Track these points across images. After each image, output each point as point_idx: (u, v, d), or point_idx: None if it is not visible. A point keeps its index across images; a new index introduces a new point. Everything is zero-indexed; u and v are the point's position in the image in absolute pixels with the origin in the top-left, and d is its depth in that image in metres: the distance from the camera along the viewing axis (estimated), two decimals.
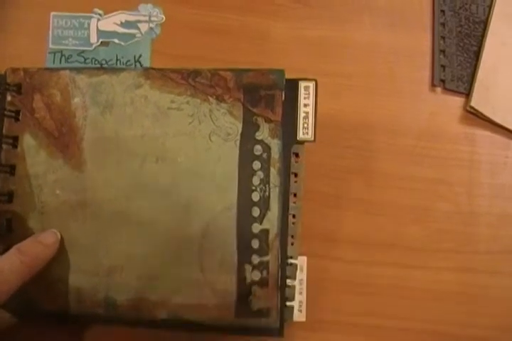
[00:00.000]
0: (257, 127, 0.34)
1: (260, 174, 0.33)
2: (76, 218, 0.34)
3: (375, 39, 0.44)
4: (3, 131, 0.35)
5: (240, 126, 0.34)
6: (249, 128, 0.34)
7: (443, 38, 0.45)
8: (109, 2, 0.43)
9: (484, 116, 0.43)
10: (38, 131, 0.35)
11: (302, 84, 0.35)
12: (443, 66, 0.44)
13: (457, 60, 0.44)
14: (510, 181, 0.42)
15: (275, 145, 0.34)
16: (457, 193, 0.42)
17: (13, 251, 0.31)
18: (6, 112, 0.35)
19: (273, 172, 0.33)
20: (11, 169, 0.35)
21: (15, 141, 0.35)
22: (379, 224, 0.41)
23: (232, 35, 0.43)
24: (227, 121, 0.34)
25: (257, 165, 0.33)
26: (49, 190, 0.34)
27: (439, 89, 0.44)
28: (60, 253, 0.34)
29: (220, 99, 0.34)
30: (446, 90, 0.44)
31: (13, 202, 0.34)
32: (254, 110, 0.34)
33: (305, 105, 0.35)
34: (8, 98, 0.35)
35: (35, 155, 0.35)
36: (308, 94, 0.35)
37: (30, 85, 0.35)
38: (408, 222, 0.41)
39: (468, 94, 0.44)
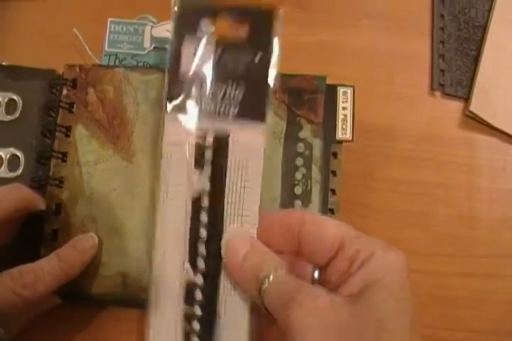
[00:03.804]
0: (300, 127, 0.36)
1: (303, 170, 0.35)
2: (124, 206, 0.35)
3: (375, 43, 0.44)
4: (58, 120, 0.37)
5: (284, 125, 0.36)
6: (292, 128, 0.36)
7: (442, 42, 0.44)
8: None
9: (483, 120, 0.43)
10: (90, 122, 0.36)
11: (341, 90, 0.37)
12: (442, 70, 0.44)
13: (456, 65, 0.44)
14: (509, 185, 0.42)
15: (317, 144, 0.36)
16: (456, 197, 0.41)
17: (53, 256, 0.33)
18: (61, 104, 0.37)
19: (314, 168, 0.35)
20: (63, 156, 0.36)
21: (68, 131, 0.37)
22: (378, 228, 0.40)
23: None
24: (273, 121, 0.36)
25: (299, 161, 0.36)
26: (98, 178, 0.36)
27: (438, 94, 0.44)
28: (107, 239, 0.35)
29: None
30: (446, 95, 0.43)
31: (63, 187, 0.36)
32: (298, 112, 0.36)
33: (343, 108, 0.37)
34: (64, 92, 0.37)
35: (86, 145, 0.36)
36: (347, 98, 0.37)
37: (85, 80, 0.37)
38: (407, 226, 0.40)
39: (467, 99, 0.43)
